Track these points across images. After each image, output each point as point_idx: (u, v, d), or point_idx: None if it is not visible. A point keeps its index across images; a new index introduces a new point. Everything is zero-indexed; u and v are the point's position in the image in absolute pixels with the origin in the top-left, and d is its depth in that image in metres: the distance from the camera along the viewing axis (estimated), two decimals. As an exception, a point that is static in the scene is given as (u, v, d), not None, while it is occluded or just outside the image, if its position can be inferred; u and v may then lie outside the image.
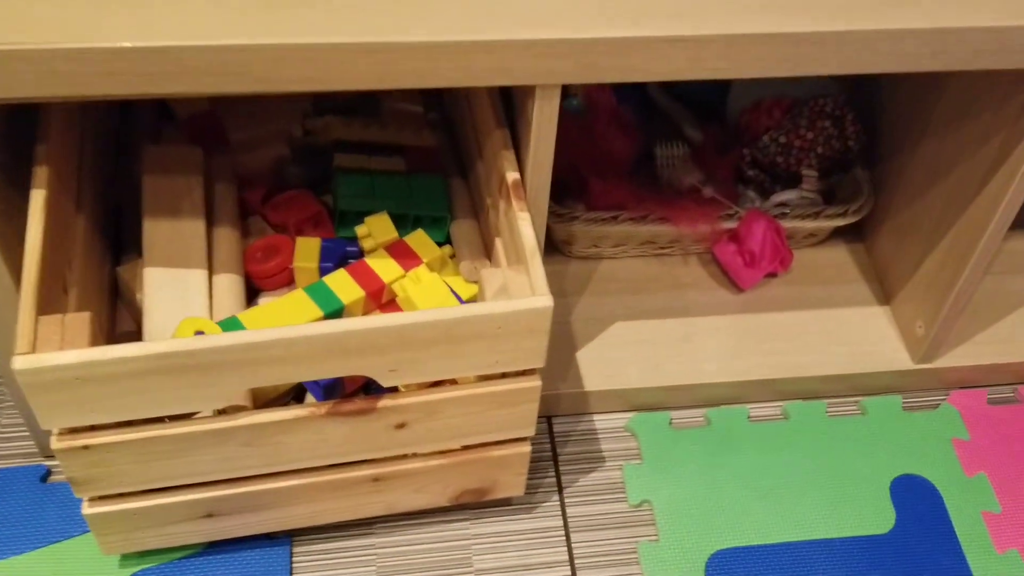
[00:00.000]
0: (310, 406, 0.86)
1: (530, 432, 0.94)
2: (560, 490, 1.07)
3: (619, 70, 0.79)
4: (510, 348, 0.84)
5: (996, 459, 1.10)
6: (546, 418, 1.13)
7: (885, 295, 1.20)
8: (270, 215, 1.08)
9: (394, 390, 0.88)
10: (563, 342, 1.13)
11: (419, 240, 1.01)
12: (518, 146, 0.90)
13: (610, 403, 1.12)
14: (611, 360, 1.12)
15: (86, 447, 0.82)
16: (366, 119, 1.15)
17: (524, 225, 0.85)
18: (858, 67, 0.82)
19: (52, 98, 0.75)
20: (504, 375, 0.88)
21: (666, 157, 1.23)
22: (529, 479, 1.07)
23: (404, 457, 0.94)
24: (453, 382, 0.89)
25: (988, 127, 0.98)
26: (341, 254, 1.01)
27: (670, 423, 1.12)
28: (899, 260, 1.16)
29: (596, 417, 1.13)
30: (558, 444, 1.11)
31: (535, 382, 0.88)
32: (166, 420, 0.84)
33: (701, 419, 1.13)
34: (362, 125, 1.13)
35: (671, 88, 1.30)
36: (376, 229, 1.02)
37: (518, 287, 0.83)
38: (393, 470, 0.94)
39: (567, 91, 1.24)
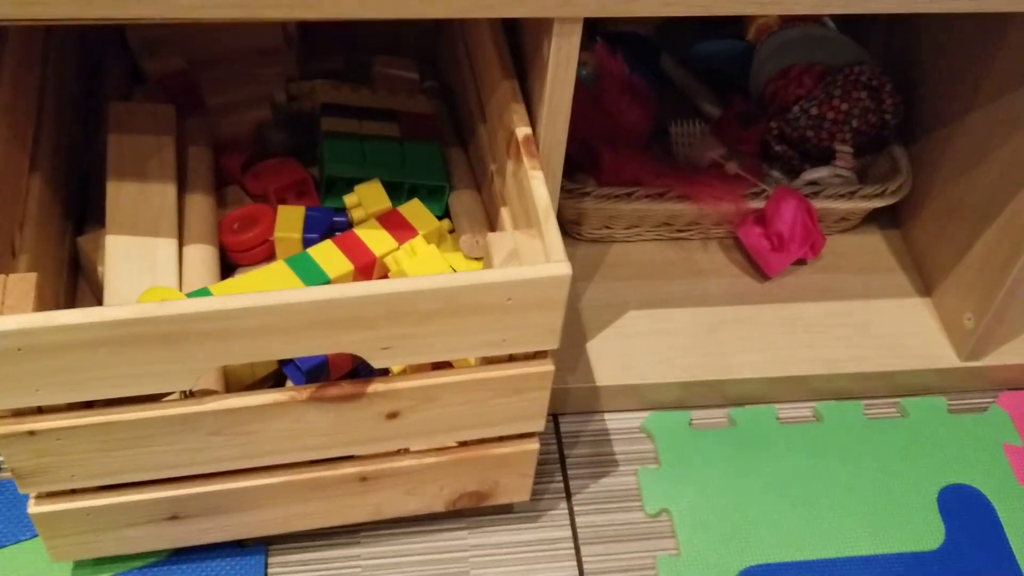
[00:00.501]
0: (290, 390, 0.75)
1: (539, 427, 0.83)
2: (568, 497, 0.96)
3: (649, 1, 0.68)
4: (520, 324, 0.73)
5: (1052, 467, 1.00)
6: (552, 416, 1.02)
7: (925, 286, 1.09)
8: (249, 184, 0.97)
9: (385, 373, 0.77)
10: (572, 331, 1.02)
11: (415, 210, 0.91)
12: (529, 100, 0.80)
13: (623, 400, 1.01)
14: (624, 352, 1.01)
15: (32, 432, 0.71)
16: (356, 84, 1.05)
17: (537, 184, 0.75)
18: (926, 2, 0.72)
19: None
20: (512, 358, 0.77)
21: (681, 135, 1.13)
22: (534, 484, 0.95)
23: (395, 454, 0.83)
24: (450, 365, 0.78)
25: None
26: (328, 225, 0.91)
27: (690, 423, 1.01)
28: (942, 246, 1.06)
29: (608, 416, 1.02)
30: (566, 445, 1.00)
31: (547, 367, 0.77)
32: (125, 404, 0.73)
33: (724, 419, 1.02)
34: (351, 89, 1.03)
35: (686, 60, 1.20)
36: (367, 198, 0.91)
37: (531, 253, 0.73)
38: (383, 467, 0.83)
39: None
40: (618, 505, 0.95)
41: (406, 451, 0.83)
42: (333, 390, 0.75)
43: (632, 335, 1.03)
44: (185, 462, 0.77)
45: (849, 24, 1.19)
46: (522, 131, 0.78)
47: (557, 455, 0.99)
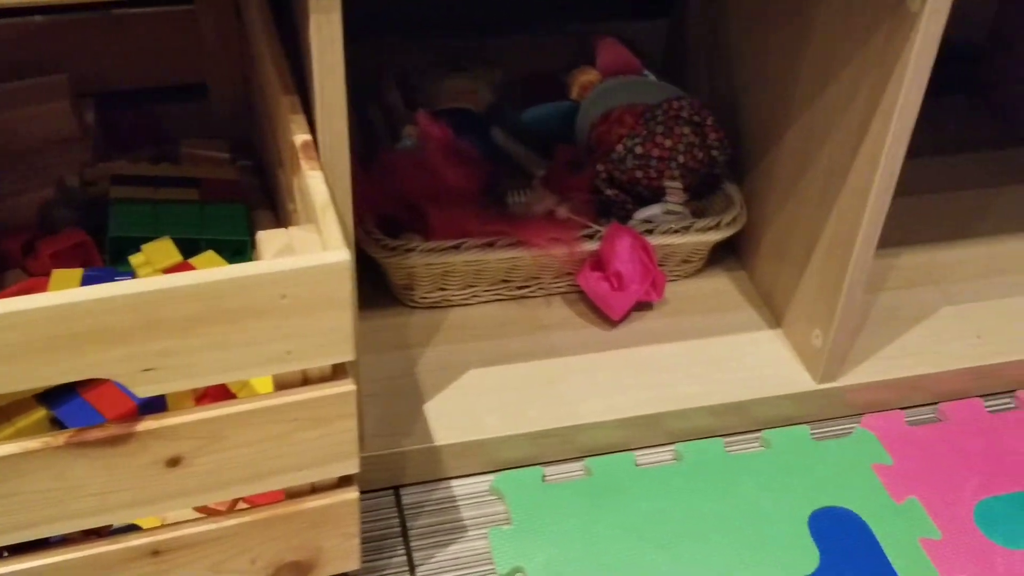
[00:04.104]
0: (42, 436, 0.65)
1: (353, 467, 0.74)
2: (412, 569, 0.86)
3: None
4: (304, 331, 0.65)
5: (926, 482, 0.93)
6: (392, 488, 0.92)
7: (775, 318, 1.05)
8: (32, 266, 0.89)
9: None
10: (405, 394, 0.95)
11: (209, 261, 0.84)
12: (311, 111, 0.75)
13: (469, 461, 0.92)
14: (466, 410, 0.94)
15: None
16: (157, 159, 0.99)
17: (315, 182, 0.69)
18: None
19: None
20: (307, 380, 0.69)
21: (519, 204, 1.08)
22: (372, 559, 0.86)
23: (190, 522, 0.73)
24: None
25: (853, 82, 0.87)
26: (111, 284, 0.82)
27: (543, 479, 0.93)
28: (783, 273, 1.02)
29: (454, 482, 0.93)
30: (408, 517, 0.90)
31: (347, 386, 0.69)
32: None
33: (580, 471, 0.94)
34: (151, 163, 0.97)
35: (517, 130, 1.18)
36: (156, 256, 0.84)
37: (306, 246, 0.66)
38: (176, 536, 0.72)
39: (399, 131, 1.11)
40: (467, 571, 0.86)
41: (204, 516, 0.73)
42: (95, 432, 0.65)
43: (473, 394, 0.95)
44: (-69, 541, 0.66)
45: (671, 75, 1.19)
46: (300, 138, 0.72)
47: (399, 528, 0.89)
